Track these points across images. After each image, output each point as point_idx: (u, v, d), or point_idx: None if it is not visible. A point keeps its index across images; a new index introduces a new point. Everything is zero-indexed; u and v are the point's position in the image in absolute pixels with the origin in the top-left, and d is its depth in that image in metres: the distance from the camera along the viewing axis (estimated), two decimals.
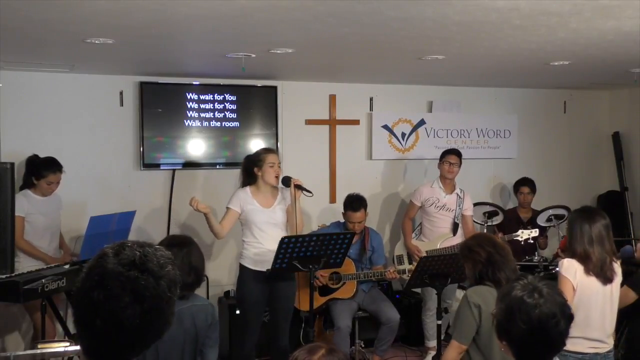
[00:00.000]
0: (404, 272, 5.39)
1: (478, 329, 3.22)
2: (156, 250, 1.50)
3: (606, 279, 3.49)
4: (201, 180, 6.01)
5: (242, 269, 4.74)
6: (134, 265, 1.43)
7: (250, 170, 4.72)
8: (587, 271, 3.46)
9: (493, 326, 2.21)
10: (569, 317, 2.10)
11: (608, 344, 3.55)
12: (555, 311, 2.05)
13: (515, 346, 2.09)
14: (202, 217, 5.97)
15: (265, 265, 4.59)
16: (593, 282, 3.48)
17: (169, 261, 1.50)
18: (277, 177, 4.69)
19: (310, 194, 4.71)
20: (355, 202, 5.43)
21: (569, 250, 3.57)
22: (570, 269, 3.47)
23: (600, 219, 3.51)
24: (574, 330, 3.45)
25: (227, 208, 4.71)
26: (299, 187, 4.64)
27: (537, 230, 5.72)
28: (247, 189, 4.72)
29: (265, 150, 4.84)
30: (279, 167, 4.74)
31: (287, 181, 4.68)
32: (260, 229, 4.66)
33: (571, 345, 3.47)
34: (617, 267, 3.58)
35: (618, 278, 3.57)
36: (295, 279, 4.86)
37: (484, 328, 3.19)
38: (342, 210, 5.54)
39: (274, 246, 4.59)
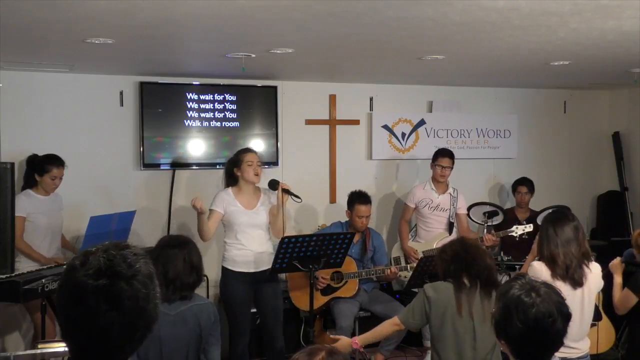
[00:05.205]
0: (405, 269, 5.40)
1: (427, 319, 3.39)
2: (122, 249, 1.47)
3: (575, 282, 3.41)
4: (201, 180, 6.00)
5: (224, 271, 4.67)
6: (100, 273, 1.41)
7: (230, 172, 4.70)
8: (555, 275, 3.40)
9: (492, 325, 2.21)
10: (567, 316, 2.10)
11: (579, 349, 3.47)
12: (552, 310, 2.06)
13: (513, 345, 2.11)
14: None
15: (248, 266, 4.59)
16: (560, 286, 3.39)
17: (139, 257, 1.47)
18: (257, 175, 4.63)
19: (299, 200, 4.66)
20: (362, 196, 5.45)
21: (538, 254, 3.55)
22: (537, 273, 3.42)
23: (569, 222, 3.46)
24: None
25: (210, 210, 4.64)
26: (287, 192, 4.58)
27: (531, 225, 5.70)
28: (229, 190, 4.67)
29: (243, 150, 4.80)
30: (259, 166, 4.66)
31: (274, 184, 4.63)
32: (243, 231, 4.61)
33: None
34: (590, 270, 3.48)
35: (591, 282, 3.47)
36: (277, 280, 4.82)
37: (433, 320, 3.37)
38: (346, 208, 5.52)
39: (256, 247, 4.59)
